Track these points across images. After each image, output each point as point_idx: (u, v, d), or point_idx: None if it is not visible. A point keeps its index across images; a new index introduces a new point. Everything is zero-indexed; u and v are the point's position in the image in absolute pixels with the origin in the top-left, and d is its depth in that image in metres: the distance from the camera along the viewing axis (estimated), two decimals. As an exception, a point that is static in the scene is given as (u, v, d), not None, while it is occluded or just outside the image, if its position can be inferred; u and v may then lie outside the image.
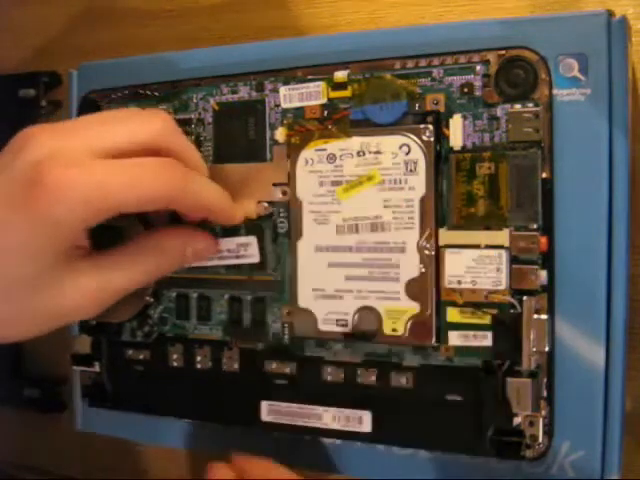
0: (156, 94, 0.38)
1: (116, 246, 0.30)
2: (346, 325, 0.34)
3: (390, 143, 0.32)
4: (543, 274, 0.30)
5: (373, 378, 0.34)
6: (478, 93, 0.31)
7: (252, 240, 0.35)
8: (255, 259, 0.36)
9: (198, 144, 0.37)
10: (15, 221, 0.26)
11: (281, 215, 0.35)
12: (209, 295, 0.37)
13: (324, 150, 0.34)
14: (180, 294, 0.38)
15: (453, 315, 0.32)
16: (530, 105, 0.30)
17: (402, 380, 0.33)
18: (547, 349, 0.30)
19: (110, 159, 0.27)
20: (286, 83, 0.35)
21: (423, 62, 0.32)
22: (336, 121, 0.34)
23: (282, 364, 0.35)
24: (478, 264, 0.31)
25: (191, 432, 0.39)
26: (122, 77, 0.39)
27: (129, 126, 0.29)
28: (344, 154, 0.33)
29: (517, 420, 0.31)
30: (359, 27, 0.40)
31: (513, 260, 0.31)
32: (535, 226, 0.30)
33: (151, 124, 0.29)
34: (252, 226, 0.35)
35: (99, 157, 0.27)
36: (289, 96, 0.35)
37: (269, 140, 0.35)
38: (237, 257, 0.36)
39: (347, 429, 0.34)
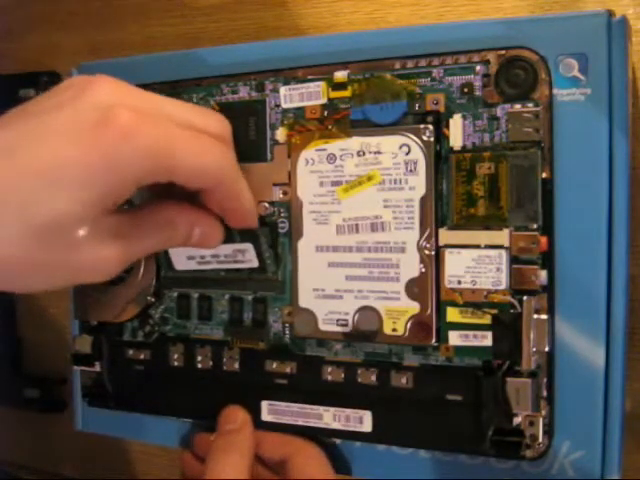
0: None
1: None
2: (346, 325, 0.34)
3: (390, 143, 0.32)
4: (543, 274, 0.30)
5: (373, 378, 0.34)
6: (478, 93, 0.31)
7: (248, 247, 0.35)
8: (254, 264, 0.36)
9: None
10: (79, 155, 0.26)
11: (281, 215, 0.35)
12: (210, 295, 0.37)
13: (324, 150, 0.34)
14: (181, 294, 0.38)
15: (453, 315, 0.32)
16: (530, 105, 0.30)
17: (402, 380, 0.33)
18: (547, 349, 0.30)
19: (179, 125, 0.28)
20: (286, 83, 0.35)
21: (423, 62, 0.32)
22: (336, 121, 0.34)
23: (283, 364, 0.35)
24: (478, 264, 0.31)
25: (191, 432, 0.39)
26: (122, 77, 0.39)
27: (204, 114, 0.31)
28: (344, 154, 0.33)
29: (517, 420, 0.31)
30: (359, 27, 0.40)
31: (513, 260, 0.31)
32: (535, 226, 0.30)
33: (223, 123, 0.31)
34: (246, 232, 0.35)
35: (170, 120, 0.28)
36: (289, 96, 0.35)
37: (269, 140, 0.35)
38: (235, 262, 0.36)
39: (347, 429, 0.34)
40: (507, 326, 0.31)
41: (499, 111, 0.31)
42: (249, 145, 0.36)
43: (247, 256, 0.36)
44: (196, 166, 0.28)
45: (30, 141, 0.26)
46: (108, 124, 0.26)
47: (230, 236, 0.35)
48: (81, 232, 0.27)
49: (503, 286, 0.31)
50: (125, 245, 0.28)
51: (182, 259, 0.37)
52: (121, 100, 0.27)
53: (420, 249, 0.32)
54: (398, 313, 0.33)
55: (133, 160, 0.26)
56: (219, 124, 0.31)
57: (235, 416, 0.35)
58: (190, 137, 0.28)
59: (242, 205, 0.31)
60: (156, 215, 0.30)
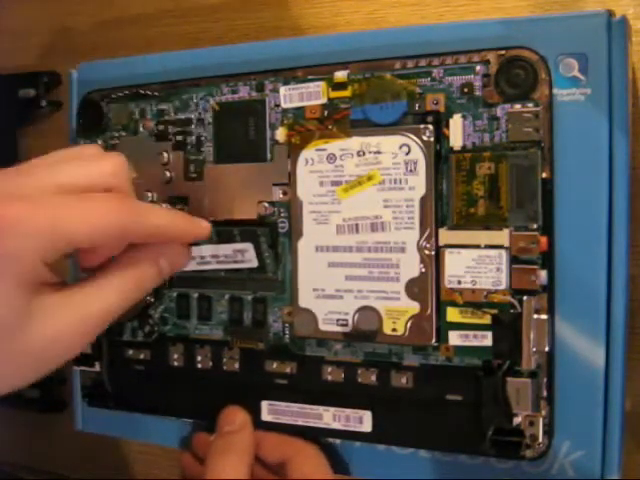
0: (156, 94, 0.38)
1: None
2: (346, 325, 0.34)
3: (390, 143, 0.32)
4: (543, 274, 0.30)
5: (373, 378, 0.34)
6: (478, 93, 0.31)
7: (248, 247, 0.35)
8: (253, 264, 0.36)
9: (198, 144, 0.37)
10: None
11: (281, 215, 0.35)
12: (210, 295, 0.37)
13: (324, 150, 0.34)
14: (181, 294, 0.38)
15: (453, 315, 0.32)
16: (530, 105, 0.30)
17: (402, 380, 0.33)
18: (547, 349, 0.30)
19: (60, 194, 0.27)
20: (286, 83, 0.35)
21: (423, 62, 0.32)
22: (336, 121, 0.34)
23: (282, 364, 0.35)
24: (478, 264, 0.31)
25: (191, 432, 0.39)
26: (122, 77, 0.39)
27: (88, 168, 0.29)
28: (344, 154, 0.33)
29: (517, 420, 0.31)
30: (359, 27, 0.40)
31: (513, 260, 0.31)
32: (535, 226, 0.30)
33: (111, 169, 0.29)
34: (247, 232, 0.35)
35: (49, 194, 0.27)
36: (289, 96, 0.35)
37: (269, 140, 0.35)
38: (235, 262, 0.36)
39: (347, 429, 0.34)
40: (507, 326, 0.31)
41: (499, 111, 0.31)
42: (249, 145, 0.36)
43: (247, 256, 0.36)
44: (87, 230, 0.26)
45: None
46: None
47: (230, 236, 0.35)
48: (16, 322, 0.25)
49: (503, 286, 0.31)
50: (81, 311, 0.27)
51: None
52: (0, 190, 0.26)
53: (420, 249, 0.32)
54: (398, 313, 0.33)
55: (23, 248, 0.25)
56: (105, 172, 0.29)
57: (234, 417, 0.35)
58: (70, 204, 0.27)
59: (166, 231, 0.30)
60: (113, 264, 0.29)
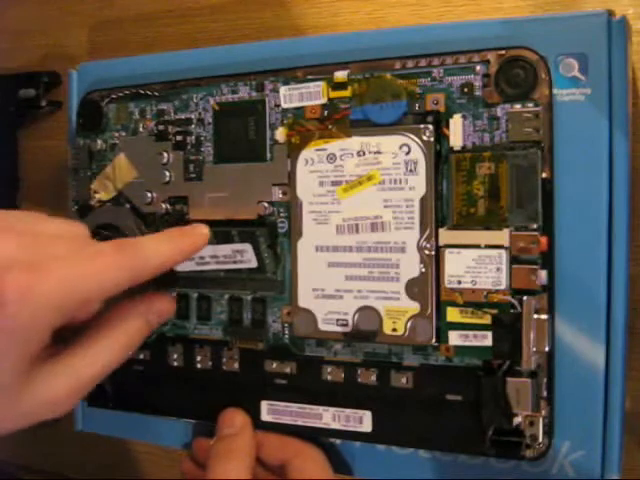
0: (156, 94, 0.38)
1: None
2: (346, 325, 0.34)
3: (390, 143, 0.32)
4: (543, 274, 0.30)
5: (373, 378, 0.34)
6: (478, 93, 0.31)
7: (247, 247, 0.35)
8: (252, 264, 0.36)
9: (198, 144, 0.37)
10: None
11: (281, 215, 0.35)
12: (209, 295, 0.37)
13: (324, 150, 0.34)
14: (180, 294, 0.38)
15: (453, 315, 0.32)
16: (530, 105, 0.30)
17: (402, 380, 0.33)
18: (547, 349, 0.30)
19: (67, 252, 0.27)
20: (286, 83, 0.35)
21: (423, 62, 0.32)
22: (336, 121, 0.34)
23: (282, 364, 0.35)
24: (478, 264, 0.31)
25: (191, 432, 0.39)
26: (122, 77, 0.39)
27: (55, 222, 0.28)
28: (344, 154, 0.33)
29: (517, 420, 0.31)
30: (359, 27, 0.40)
31: (513, 260, 0.31)
32: (535, 226, 0.30)
33: (75, 226, 0.29)
34: (245, 233, 0.35)
35: (52, 254, 0.26)
36: (289, 96, 0.35)
37: (269, 140, 0.35)
38: (234, 262, 0.36)
39: (347, 429, 0.34)
40: (507, 326, 0.31)
41: (499, 111, 0.31)
42: (249, 145, 0.36)
43: (246, 256, 0.36)
44: (98, 288, 0.26)
45: None
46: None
47: (229, 237, 0.35)
48: (15, 387, 0.25)
49: (503, 286, 0.31)
50: (74, 379, 0.27)
51: None
52: (6, 259, 0.25)
53: (420, 249, 0.32)
54: (398, 313, 0.33)
55: (34, 321, 0.25)
56: (78, 228, 0.29)
57: (234, 419, 0.35)
58: (78, 264, 0.26)
59: (172, 259, 0.30)
60: (102, 327, 0.29)
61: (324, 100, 0.34)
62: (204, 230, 0.32)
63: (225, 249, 0.36)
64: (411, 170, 0.32)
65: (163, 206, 0.37)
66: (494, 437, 0.31)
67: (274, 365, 0.36)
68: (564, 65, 0.30)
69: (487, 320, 0.31)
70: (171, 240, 0.31)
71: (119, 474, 0.51)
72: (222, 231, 0.36)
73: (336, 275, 0.34)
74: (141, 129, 0.38)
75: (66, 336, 0.28)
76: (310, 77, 0.34)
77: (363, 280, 0.33)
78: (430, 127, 0.32)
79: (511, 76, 0.31)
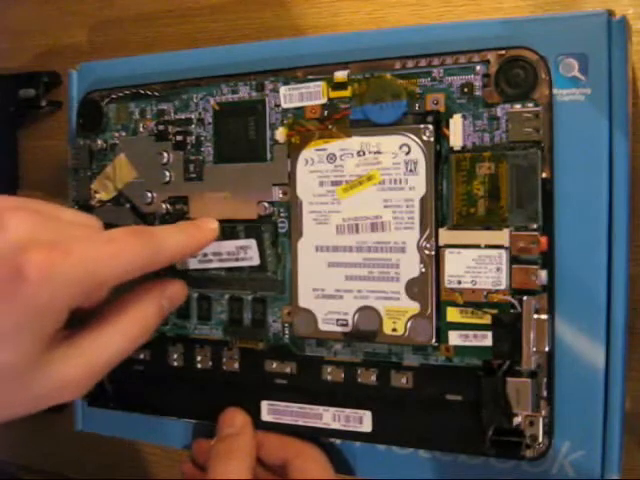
0: (156, 94, 0.38)
1: None
2: (346, 325, 0.34)
3: (390, 143, 0.32)
4: (543, 274, 0.30)
5: (373, 378, 0.34)
6: (478, 93, 0.31)
7: (252, 243, 0.35)
8: (255, 261, 0.36)
9: (198, 144, 0.37)
10: (6, 315, 0.24)
11: (281, 215, 0.35)
12: (209, 295, 0.37)
13: (324, 150, 0.34)
14: (180, 294, 0.38)
15: (453, 315, 0.32)
16: (530, 105, 0.30)
17: (402, 380, 0.33)
18: (547, 349, 0.30)
19: (85, 235, 0.27)
20: (286, 83, 0.35)
21: (423, 62, 0.32)
22: (336, 121, 0.34)
23: (282, 364, 0.35)
24: (478, 264, 0.31)
25: (191, 432, 0.39)
26: (122, 77, 0.39)
27: (77, 214, 0.30)
28: (344, 154, 0.33)
29: (517, 420, 0.31)
30: (359, 27, 0.40)
31: (513, 260, 0.31)
32: (535, 226, 0.30)
33: (81, 223, 0.29)
34: (251, 228, 0.35)
35: (73, 236, 0.27)
36: (289, 96, 0.35)
37: (269, 140, 0.35)
38: (237, 260, 0.36)
39: (347, 429, 0.34)
40: (507, 326, 0.31)
41: (499, 111, 0.31)
42: (249, 145, 0.36)
43: (249, 253, 0.35)
44: (117, 270, 0.27)
45: None
46: (19, 275, 0.24)
47: (234, 233, 0.35)
48: (30, 368, 0.25)
49: (503, 286, 0.31)
50: (88, 363, 0.27)
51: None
52: (28, 235, 0.25)
53: (420, 249, 0.32)
54: (398, 313, 0.33)
55: (54, 300, 0.25)
56: (91, 220, 0.30)
57: (234, 419, 0.35)
58: (98, 247, 0.27)
59: (186, 249, 0.31)
60: (118, 312, 0.29)
61: (324, 100, 0.34)
62: (213, 225, 0.33)
63: (229, 245, 0.36)
64: (411, 170, 0.32)
65: (163, 206, 0.37)
66: (494, 437, 0.31)
67: (274, 365, 0.36)
68: (564, 65, 0.30)
69: (487, 320, 0.31)
70: (184, 231, 0.32)
71: (119, 474, 0.51)
72: (227, 227, 0.35)
73: (336, 275, 0.34)
74: (141, 129, 0.38)
75: (73, 323, 0.28)
76: (310, 77, 0.34)
77: (363, 280, 0.33)
78: (430, 127, 0.32)
79: (511, 76, 0.31)
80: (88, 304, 0.29)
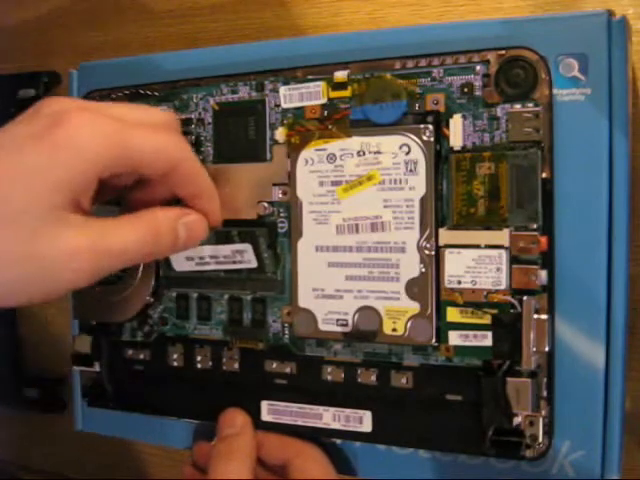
0: (156, 94, 0.38)
1: None
2: (346, 325, 0.34)
3: (390, 143, 0.32)
4: (543, 274, 0.30)
5: (373, 378, 0.34)
6: (478, 93, 0.31)
7: (247, 247, 0.35)
8: (252, 264, 0.36)
9: (198, 144, 0.37)
10: (35, 149, 0.26)
11: (281, 215, 0.35)
12: (209, 295, 0.37)
13: (324, 150, 0.34)
14: (180, 294, 0.38)
15: (453, 315, 0.32)
16: (530, 105, 0.30)
17: (402, 380, 0.33)
18: (547, 349, 0.30)
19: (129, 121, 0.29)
20: (286, 83, 0.35)
21: (423, 62, 0.32)
22: (336, 121, 0.34)
23: (282, 364, 0.35)
24: (478, 264, 0.31)
25: (191, 432, 0.39)
26: (122, 77, 0.39)
27: (150, 110, 0.31)
28: (344, 154, 0.33)
29: (517, 420, 0.31)
30: (359, 27, 0.40)
31: (513, 260, 0.31)
32: (535, 226, 0.30)
33: (169, 115, 0.32)
34: (245, 233, 0.35)
35: (116, 114, 0.29)
36: (289, 96, 0.35)
37: (269, 140, 0.35)
38: (234, 263, 0.36)
39: (347, 429, 0.34)
40: (507, 326, 0.31)
41: (499, 111, 0.31)
42: (249, 145, 0.36)
43: (246, 257, 0.36)
44: (153, 146, 0.28)
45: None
46: (62, 121, 0.26)
47: (229, 237, 0.35)
48: (46, 223, 0.26)
49: (503, 286, 0.31)
50: (96, 239, 0.27)
51: (181, 260, 0.37)
52: (78, 105, 0.28)
53: (420, 249, 0.32)
54: (398, 313, 0.33)
55: (89, 144, 0.26)
56: (165, 116, 0.31)
57: (235, 419, 0.35)
58: (139, 127, 0.29)
59: (206, 185, 0.31)
60: (136, 214, 0.30)
61: (324, 100, 0.34)
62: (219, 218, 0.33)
63: (225, 249, 0.36)
64: (411, 170, 0.32)
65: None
66: (494, 437, 0.31)
67: (274, 365, 0.36)
68: (564, 65, 0.30)
69: (487, 320, 0.31)
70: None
71: (119, 474, 0.51)
72: (222, 231, 0.36)
73: (336, 275, 0.34)
74: (141, 129, 0.38)
75: None
76: (310, 77, 0.34)
77: (363, 280, 0.33)
78: (430, 127, 0.32)
79: (511, 76, 0.31)
80: (115, 184, 0.30)
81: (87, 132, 0.26)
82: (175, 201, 0.32)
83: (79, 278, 0.27)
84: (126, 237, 0.28)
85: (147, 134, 0.28)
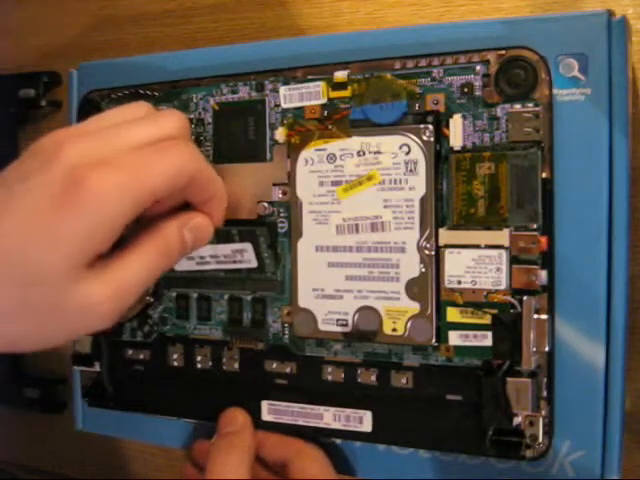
0: (156, 94, 0.38)
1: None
2: (346, 325, 0.34)
3: (390, 143, 0.32)
4: (543, 274, 0.30)
5: (373, 378, 0.34)
6: (478, 93, 0.31)
7: (247, 247, 0.35)
8: (252, 264, 0.36)
9: (198, 144, 0.37)
10: (59, 214, 0.26)
11: (281, 215, 0.35)
12: (209, 295, 0.37)
13: (324, 150, 0.34)
14: (180, 294, 0.38)
15: (453, 315, 0.32)
16: (530, 105, 0.30)
17: (402, 380, 0.33)
18: (547, 349, 0.30)
19: (134, 151, 0.28)
20: (286, 83, 0.35)
21: (423, 62, 0.32)
22: (336, 121, 0.34)
23: (282, 364, 0.35)
24: (478, 264, 0.31)
25: (191, 432, 0.39)
26: (122, 77, 0.39)
27: (157, 120, 0.30)
28: (344, 154, 0.33)
29: (517, 420, 0.31)
30: (359, 27, 0.40)
31: (513, 260, 0.31)
32: (535, 226, 0.30)
33: (177, 121, 0.30)
34: (245, 232, 0.35)
35: (125, 153, 0.28)
36: (289, 96, 0.35)
37: (269, 140, 0.35)
38: (234, 262, 0.36)
39: (347, 429, 0.34)
40: (507, 326, 0.31)
41: (499, 111, 0.31)
42: (249, 145, 0.36)
43: (246, 256, 0.36)
44: (170, 174, 0.28)
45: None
46: (81, 189, 0.26)
47: (229, 236, 0.35)
48: (72, 283, 0.26)
49: (503, 286, 0.31)
50: (117, 285, 0.27)
51: (181, 260, 0.37)
52: (83, 154, 0.27)
53: (420, 249, 0.32)
54: (398, 313, 0.33)
55: (118, 211, 0.26)
56: (173, 123, 0.30)
57: (235, 418, 0.35)
58: (150, 158, 0.28)
59: (219, 190, 0.31)
60: (140, 237, 0.29)
61: (324, 100, 0.34)
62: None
63: (225, 249, 0.36)
64: (411, 170, 0.32)
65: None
66: (494, 437, 0.31)
67: (274, 365, 0.36)
68: (564, 65, 0.30)
69: (487, 320, 0.31)
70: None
71: (119, 474, 0.51)
72: (222, 231, 0.35)
73: (336, 275, 0.34)
74: (141, 129, 0.38)
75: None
76: (310, 77, 0.34)
77: (363, 280, 0.33)
78: (430, 127, 0.32)
79: (511, 76, 0.31)
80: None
81: (107, 190, 0.26)
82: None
83: (103, 323, 0.28)
84: (140, 267, 0.28)
85: (162, 161, 0.28)
